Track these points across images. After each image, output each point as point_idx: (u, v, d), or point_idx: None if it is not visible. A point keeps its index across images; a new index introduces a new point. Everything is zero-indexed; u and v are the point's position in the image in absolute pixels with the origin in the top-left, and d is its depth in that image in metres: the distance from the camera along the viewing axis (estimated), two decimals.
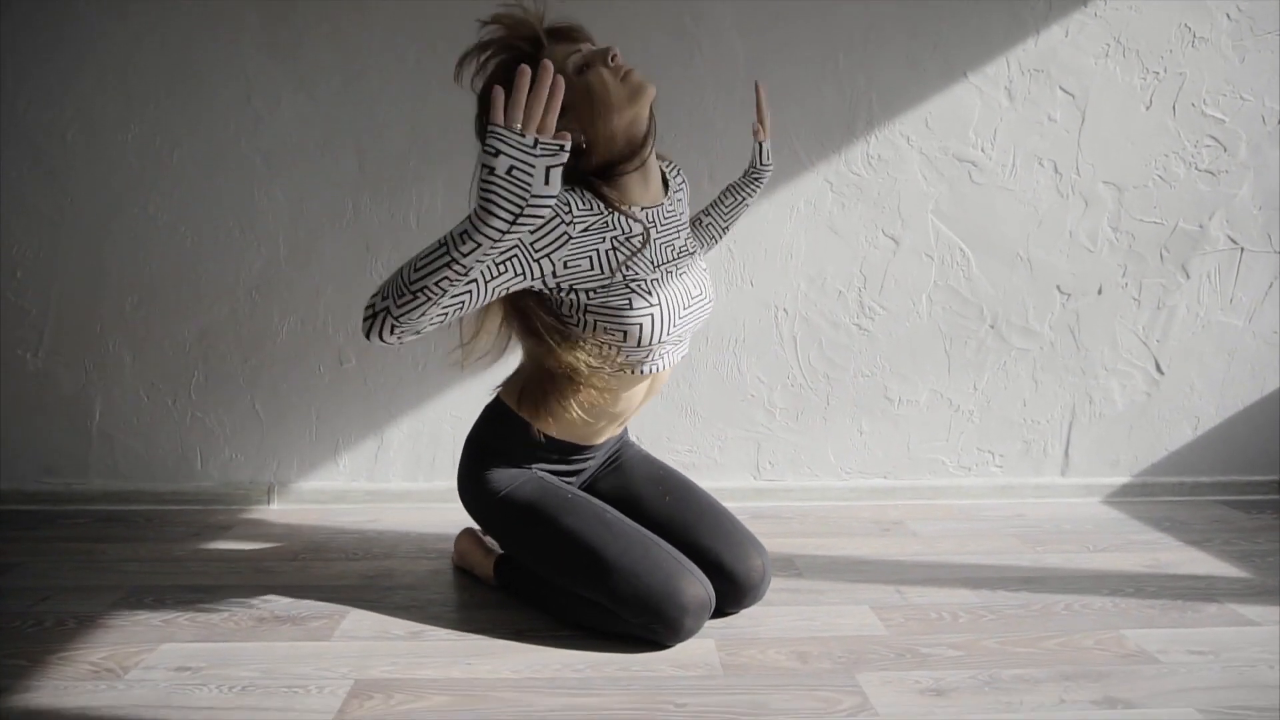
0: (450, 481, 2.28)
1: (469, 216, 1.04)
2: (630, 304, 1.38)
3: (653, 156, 1.43)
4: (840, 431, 2.33)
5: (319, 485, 2.28)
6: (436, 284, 1.09)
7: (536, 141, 0.98)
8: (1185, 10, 2.23)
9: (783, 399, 2.30)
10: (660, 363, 1.49)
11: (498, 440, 1.61)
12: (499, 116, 0.97)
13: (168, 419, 2.25)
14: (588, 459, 1.65)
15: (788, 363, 2.29)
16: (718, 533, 1.58)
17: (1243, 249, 2.32)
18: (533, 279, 1.27)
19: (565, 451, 1.61)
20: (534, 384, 1.54)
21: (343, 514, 2.21)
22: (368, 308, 1.13)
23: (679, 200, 1.54)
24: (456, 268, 1.07)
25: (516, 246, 1.21)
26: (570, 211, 1.31)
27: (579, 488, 1.66)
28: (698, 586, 1.45)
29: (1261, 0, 2.23)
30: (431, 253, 1.09)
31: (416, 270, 1.09)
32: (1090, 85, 2.24)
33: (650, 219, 1.44)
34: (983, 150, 2.25)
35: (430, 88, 2.16)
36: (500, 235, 1.03)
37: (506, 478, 1.57)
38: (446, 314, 1.15)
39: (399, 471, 2.29)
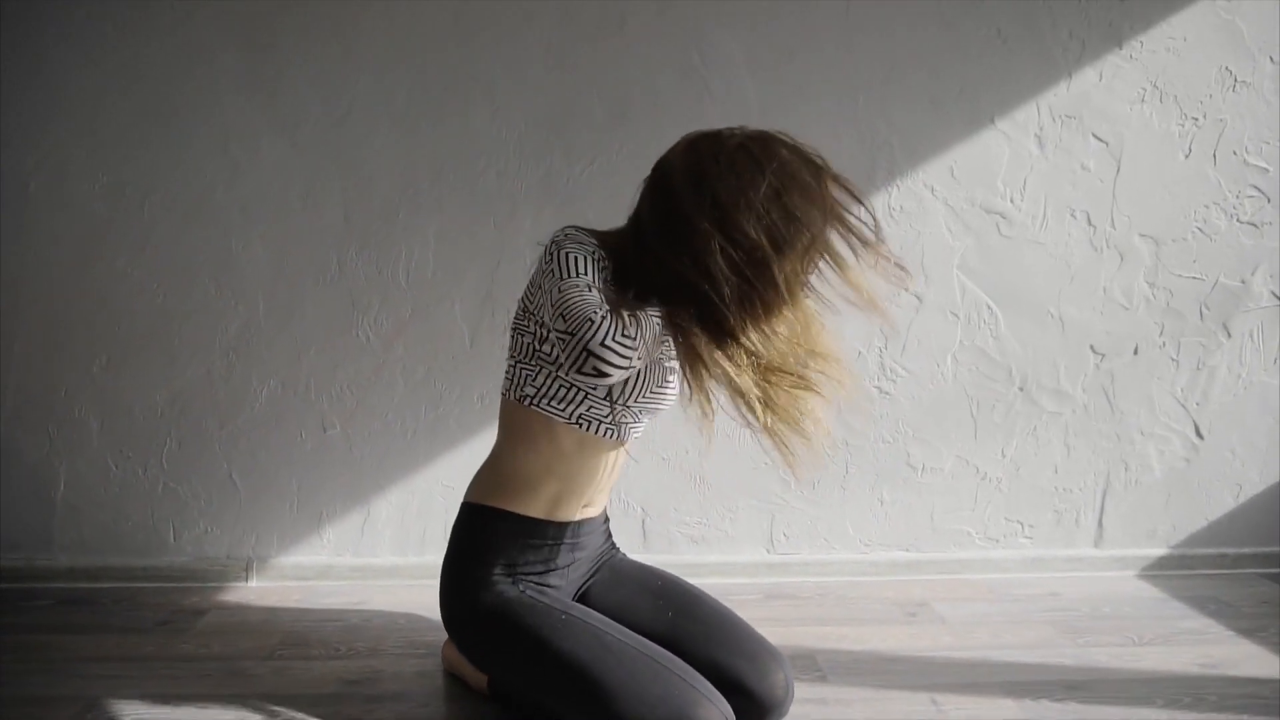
0: (442, 556, 2.12)
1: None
2: None
3: None
4: (860, 501, 2.18)
5: (301, 560, 2.12)
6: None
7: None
8: (1226, 53, 2.09)
9: None
10: (617, 429, 1.41)
11: (472, 548, 1.46)
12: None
13: (138, 489, 2.09)
14: (571, 553, 1.50)
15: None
16: (732, 646, 1.43)
17: None
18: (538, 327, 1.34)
19: (546, 539, 1.45)
20: (501, 463, 1.43)
21: (327, 592, 2.05)
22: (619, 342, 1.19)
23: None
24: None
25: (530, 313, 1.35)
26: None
27: (570, 599, 1.51)
28: (715, 712, 1.29)
29: None
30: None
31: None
32: (1125, 132, 2.10)
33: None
34: (1011, 201, 2.11)
35: (421, 131, 2.01)
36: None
37: (488, 596, 1.41)
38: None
39: (387, 545, 2.14)
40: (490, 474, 1.47)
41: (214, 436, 2.08)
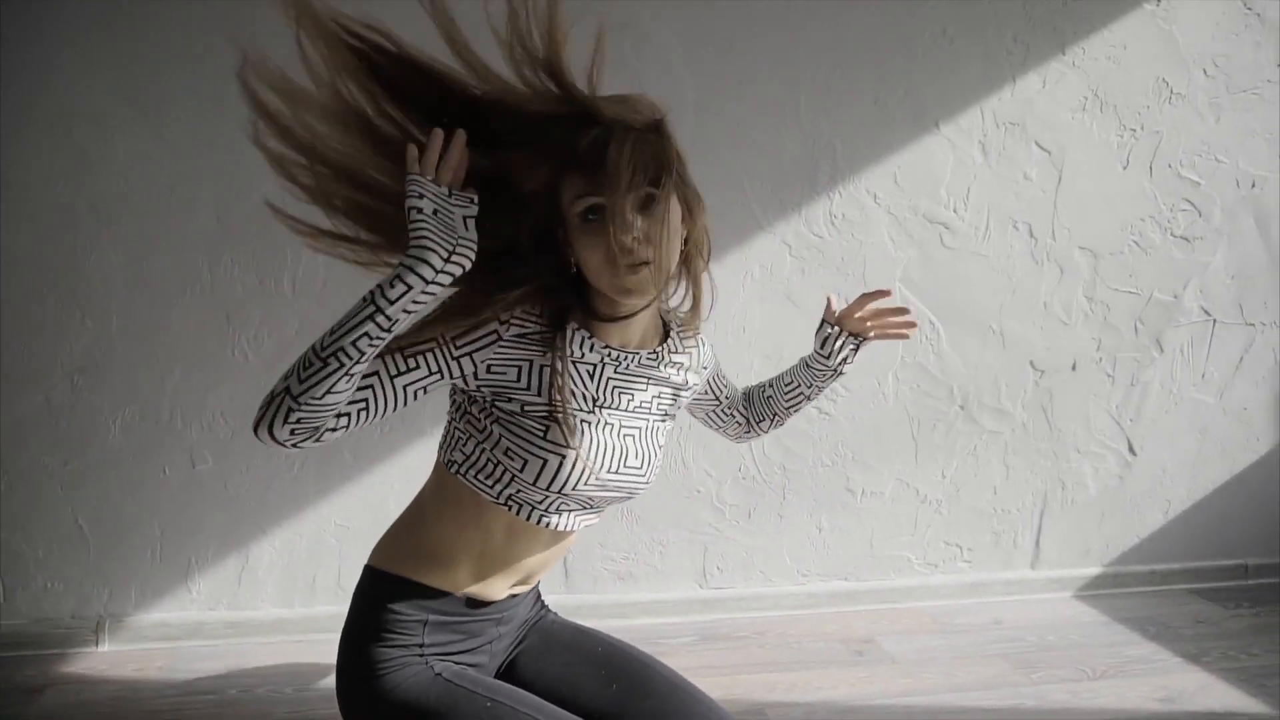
0: (337, 606, 1.86)
1: (400, 260, 0.96)
2: (545, 433, 1.08)
3: (646, 314, 1.13)
4: (797, 529, 2.03)
5: (165, 618, 1.81)
6: (354, 344, 0.94)
7: (450, 191, 1.00)
8: (1163, 64, 2.04)
9: (733, 494, 1.99)
10: (556, 519, 1.17)
11: (376, 623, 1.22)
12: (414, 168, 0.99)
13: None
14: (495, 627, 1.28)
15: (739, 453, 1.97)
16: (672, 708, 1.24)
17: (1215, 320, 2.16)
18: (450, 377, 1.07)
19: (464, 617, 1.23)
20: (420, 528, 1.20)
21: (197, 655, 1.76)
22: (265, 396, 0.98)
23: (677, 369, 1.21)
24: (380, 319, 0.95)
25: (434, 340, 1.04)
26: (511, 309, 1.06)
27: (494, 675, 1.29)
28: None
29: (1238, 56, 2.08)
30: (351, 312, 0.96)
31: (331, 333, 0.95)
32: (1067, 142, 2.03)
33: (612, 357, 1.11)
34: (955, 211, 2.00)
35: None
36: (433, 275, 0.96)
37: (396, 680, 1.17)
38: (350, 414, 1.01)
39: (269, 596, 1.86)
40: (405, 537, 1.23)
41: (55, 476, 1.75)
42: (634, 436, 1.16)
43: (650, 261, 1.01)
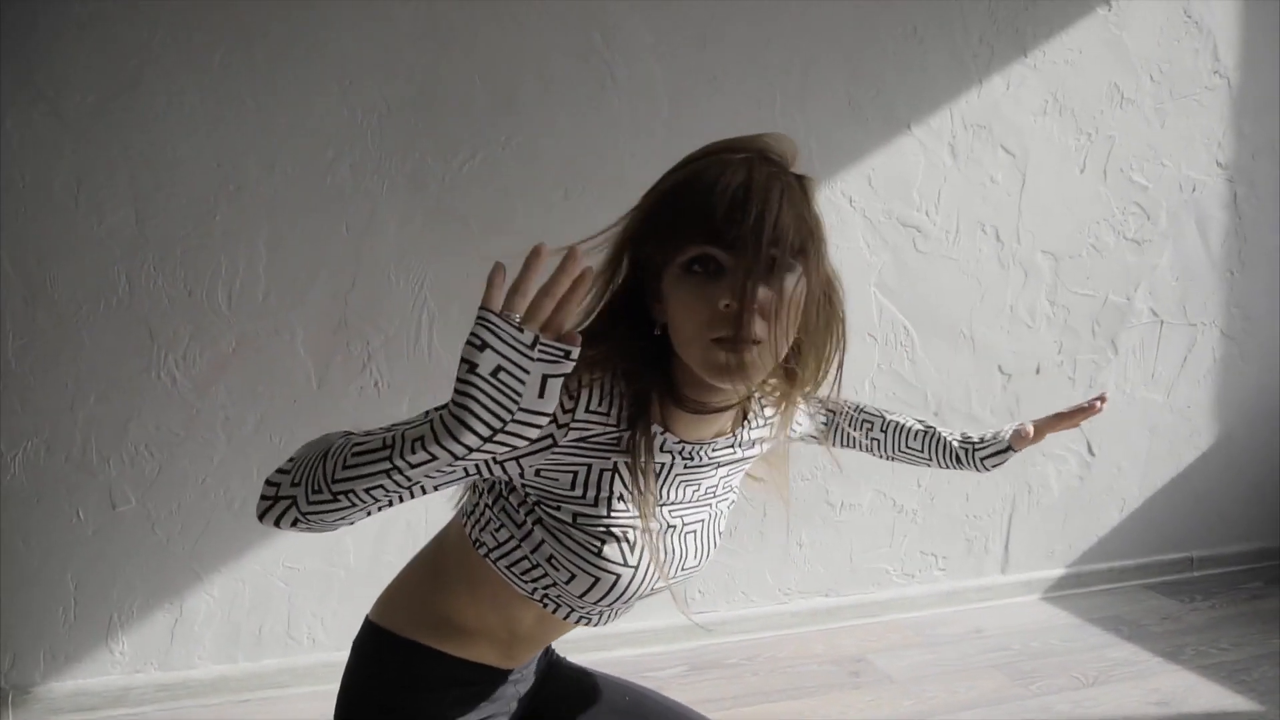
0: (287, 659, 1.65)
1: (432, 419, 0.75)
2: (600, 549, 0.92)
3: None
4: (777, 546, 1.95)
5: (83, 685, 1.56)
6: (367, 491, 0.77)
7: (536, 340, 0.74)
8: (1115, 68, 2.07)
9: None
10: (595, 620, 1.04)
11: (387, 686, 1.06)
12: (494, 300, 0.73)
13: None
14: (514, 688, 1.14)
15: None
16: None
17: (1162, 321, 2.22)
18: (488, 478, 0.91)
19: (484, 683, 1.08)
20: (437, 598, 1.04)
21: None
22: (270, 484, 0.82)
23: (756, 445, 1.02)
24: (397, 478, 0.77)
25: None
26: (573, 411, 0.86)
27: None
28: None
29: (1179, 62, 2.13)
30: (368, 450, 0.77)
31: (345, 466, 0.78)
32: (1030, 145, 2.03)
33: (684, 454, 0.94)
34: (927, 214, 1.97)
35: (244, 107, 1.53)
36: (466, 453, 0.74)
37: None
38: (370, 514, 0.83)
39: (207, 652, 1.63)
40: (420, 603, 1.05)
41: None
42: (695, 533, 1.00)
43: (762, 341, 0.81)
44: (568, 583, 0.94)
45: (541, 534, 0.93)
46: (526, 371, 0.73)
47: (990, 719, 1.58)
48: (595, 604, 0.96)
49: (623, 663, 1.76)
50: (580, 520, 0.91)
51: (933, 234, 1.98)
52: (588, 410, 0.86)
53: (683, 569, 1.01)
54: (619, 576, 0.94)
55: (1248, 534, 2.38)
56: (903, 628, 1.97)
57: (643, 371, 0.87)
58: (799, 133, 1.84)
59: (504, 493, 0.96)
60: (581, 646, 1.80)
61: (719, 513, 1.03)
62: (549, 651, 1.24)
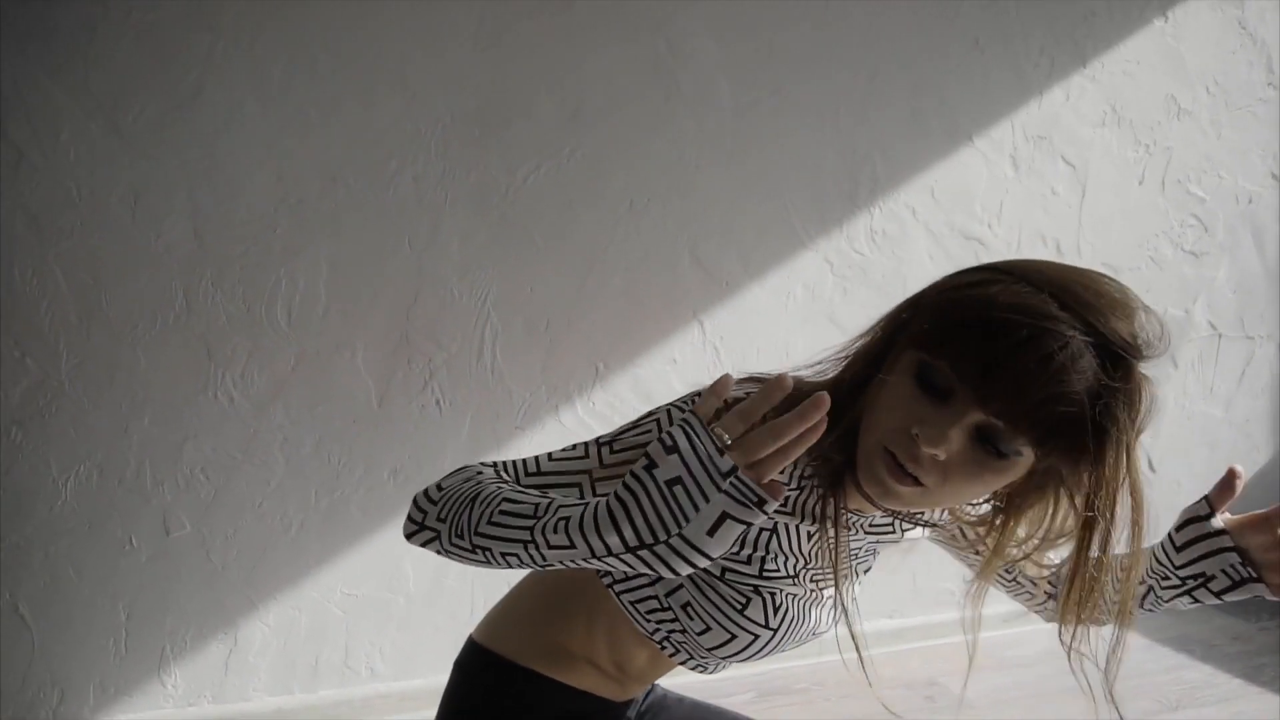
0: (344, 690, 1.58)
1: (588, 503, 0.68)
2: (744, 607, 0.87)
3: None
4: None
5: (136, 719, 1.49)
6: (502, 555, 0.72)
7: (734, 472, 0.64)
8: (1171, 80, 2.05)
9: None
10: (710, 670, 0.99)
11: (491, 711, 1.01)
12: (708, 407, 0.67)
13: None
14: (625, 713, 1.09)
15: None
16: None
17: (1221, 335, 2.18)
18: None
19: (592, 715, 1.03)
20: (546, 626, 0.99)
21: None
22: (418, 509, 0.78)
23: (874, 541, 0.97)
24: (534, 553, 0.70)
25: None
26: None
27: None
28: None
29: (1234, 74, 2.11)
30: (515, 513, 0.71)
31: (490, 522, 0.72)
32: (1090, 157, 2.00)
33: (848, 522, 0.88)
34: (989, 226, 1.93)
35: (307, 120, 1.49)
36: (605, 553, 0.67)
37: None
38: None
39: (263, 683, 1.56)
40: (529, 626, 1.00)
41: None
42: (825, 604, 0.97)
43: (926, 487, 0.74)
44: (700, 634, 0.89)
45: (684, 582, 0.88)
46: (706, 499, 0.64)
47: None
48: (723, 659, 0.92)
49: (689, 689, 1.69)
50: (729, 575, 0.86)
51: (995, 246, 1.94)
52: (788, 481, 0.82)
53: (814, 634, 0.96)
54: (757, 637, 0.89)
55: None
56: (965, 649, 1.91)
57: (833, 445, 0.79)
58: (862, 144, 1.81)
59: None
60: None
61: (855, 577, 0.98)
62: (655, 689, 1.18)
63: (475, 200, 1.59)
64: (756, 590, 0.87)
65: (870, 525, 0.91)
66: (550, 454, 0.84)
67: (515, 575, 0.97)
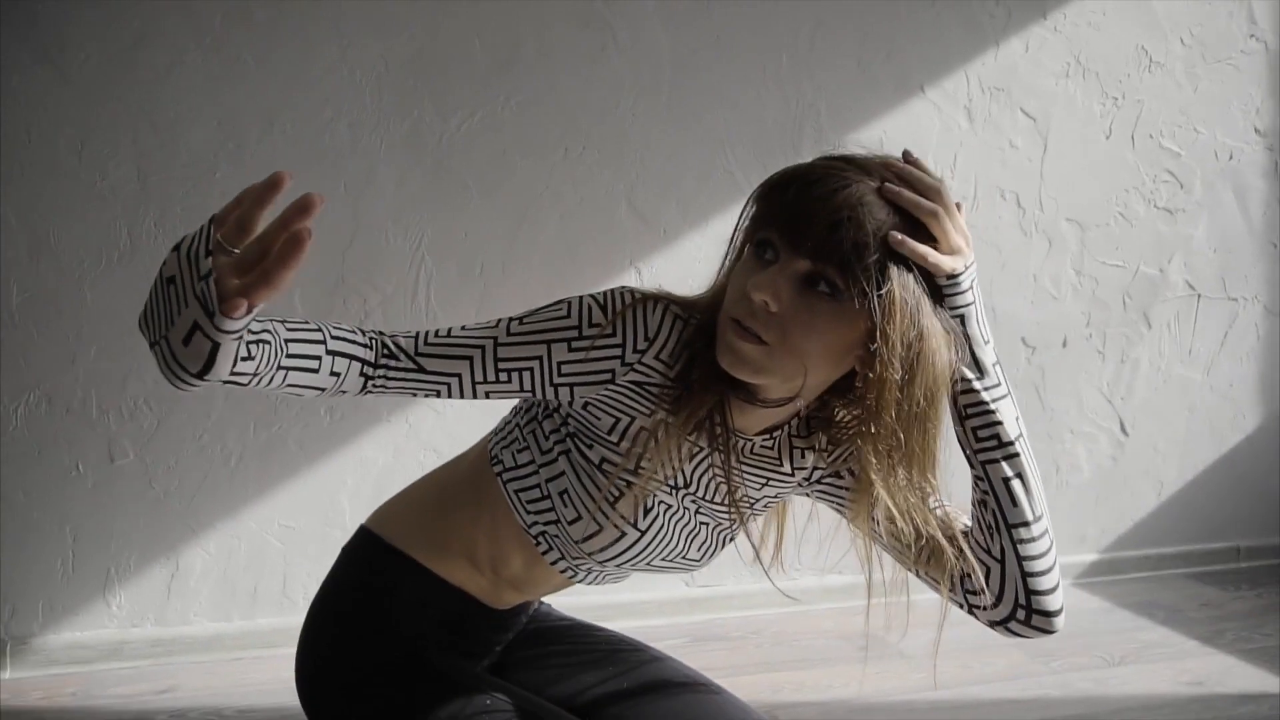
0: (281, 619, 1.64)
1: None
2: (615, 500, 0.91)
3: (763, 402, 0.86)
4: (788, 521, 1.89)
5: (80, 637, 1.57)
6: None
7: (209, 276, 0.61)
8: (1142, 31, 2.00)
9: None
10: (582, 576, 1.02)
11: (363, 590, 1.04)
12: (226, 214, 0.63)
13: None
14: (498, 634, 1.11)
15: None
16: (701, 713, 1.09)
17: (1199, 295, 2.11)
18: (538, 398, 0.90)
19: (469, 620, 1.05)
20: (443, 508, 1.02)
21: (118, 679, 1.52)
22: None
23: (796, 467, 0.95)
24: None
25: (537, 360, 0.85)
26: (643, 354, 0.85)
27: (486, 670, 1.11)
28: None
29: (1212, 25, 2.05)
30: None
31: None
32: (1051, 109, 1.96)
33: (732, 444, 0.88)
34: (942, 180, 1.91)
35: (244, 66, 1.55)
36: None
37: (376, 662, 0.99)
38: (417, 395, 0.87)
39: (203, 608, 1.62)
40: (417, 516, 1.03)
41: None
42: (708, 527, 0.98)
43: (769, 344, 0.77)
44: (571, 522, 0.92)
45: (565, 465, 0.91)
46: (186, 303, 0.62)
47: (1003, 695, 1.50)
48: (589, 555, 0.94)
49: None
50: (607, 466, 0.90)
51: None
52: (657, 357, 0.84)
53: (683, 557, 0.98)
54: (623, 534, 0.92)
55: None
56: (917, 609, 1.88)
57: (710, 333, 0.83)
58: (806, 96, 1.81)
59: (540, 416, 0.94)
60: (581, 616, 1.76)
61: (720, 534, 0.99)
62: (535, 608, 1.20)
63: (410, 147, 1.64)
64: (630, 486, 0.89)
65: (756, 450, 0.92)
66: (464, 326, 0.87)
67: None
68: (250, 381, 0.72)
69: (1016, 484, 0.86)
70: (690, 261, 1.79)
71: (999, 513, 0.86)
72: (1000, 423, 0.85)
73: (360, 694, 0.98)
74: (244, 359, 0.68)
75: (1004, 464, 0.86)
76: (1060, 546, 2.10)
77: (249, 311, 0.61)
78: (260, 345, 0.71)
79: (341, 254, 1.63)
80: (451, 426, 1.69)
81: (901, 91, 1.87)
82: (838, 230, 0.74)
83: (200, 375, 0.65)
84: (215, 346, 0.63)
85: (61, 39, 1.48)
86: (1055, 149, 1.97)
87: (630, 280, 1.76)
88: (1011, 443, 0.86)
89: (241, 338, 0.65)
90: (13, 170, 1.49)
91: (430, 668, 0.99)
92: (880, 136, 1.86)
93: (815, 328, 0.77)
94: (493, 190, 1.68)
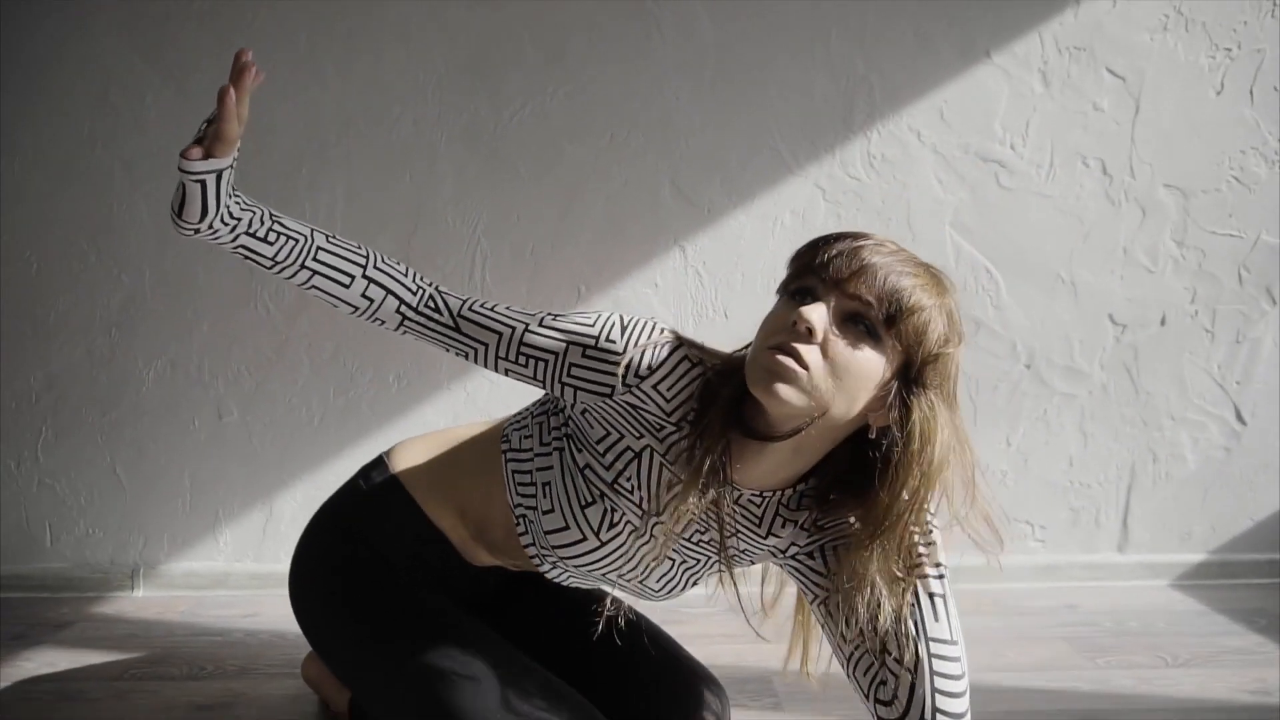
0: None
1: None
2: (587, 505, 1.01)
3: (783, 455, 0.91)
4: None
5: (194, 567, 1.85)
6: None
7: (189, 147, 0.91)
8: None
9: None
10: (548, 569, 1.10)
11: (357, 509, 1.19)
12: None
13: (9, 486, 1.83)
14: (477, 587, 1.21)
15: None
16: (650, 680, 1.14)
17: None
18: (549, 391, 0.98)
19: (439, 555, 1.16)
20: (454, 464, 1.15)
21: (219, 604, 1.78)
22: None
23: (783, 524, 0.99)
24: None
25: (554, 356, 0.94)
26: (643, 379, 0.92)
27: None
28: None
29: None
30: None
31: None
32: (1146, 67, 1.80)
33: (722, 493, 0.93)
34: (1012, 148, 1.81)
35: (328, 78, 1.76)
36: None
37: (359, 567, 1.13)
38: (447, 352, 1.00)
39: (290, 549, 1.85)
40: (429, 464, 1.16)
41: (95, 426, 1.82)
42: (674, 562, 1.03)
43: (808, 368, 0.83)
44: (545, 513, 1.03)
45: (555, 461, 1.03)
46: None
47: (1024, 684, 1.41)
48: (553, 548, 1.03)
49: None
50: (589, 472, 1.00)
51: (1020, 169, 1.81)
52: (655, 388, 0.92)
53: (641, 584, 1.05)
54: (584, 539, 1.01)
55: None
56: (982, 598, 1.80)
57: (730, 378, 0.91)
58: (858, 71, 1.79)
59: (550, 412, 1.07)
60: None
61: (703, 569, 1.04)
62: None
63: (467, 139, 1.79)
64: (604, 496, 0.98)
65: (741, 502, 0.96)
66: (510, 306, 0.99)
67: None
68: (269, 266, 0.94)
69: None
70: (734, 239, 1.81)
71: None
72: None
73: (318, 579, 1.12)
74: (261, 240, 0.93)
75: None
76: (1157, 546, 1.95)
77: (205, 157, 0.88)
78: (283, 238, 0.93)
79: (408, 238, 1.80)
80: (505, 396, 1.83)
81: (964, 59, 1.79)
82: (880, 274, 0.83)
83: (179, 215, 0.90)
84: (182, 188, 0.88)
85: (182, 59, 1.75)
86: (1149, 110, 1.81)
87: (674, 257, 1.82)
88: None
89: (211, 186, 0.89)
90: (147, 173, 1.78)
91: (407, 589, 1.11)
92: (941, 106, 1.80)
93: (856, 362, 0.84)
94: (542, 175, 1.80)
